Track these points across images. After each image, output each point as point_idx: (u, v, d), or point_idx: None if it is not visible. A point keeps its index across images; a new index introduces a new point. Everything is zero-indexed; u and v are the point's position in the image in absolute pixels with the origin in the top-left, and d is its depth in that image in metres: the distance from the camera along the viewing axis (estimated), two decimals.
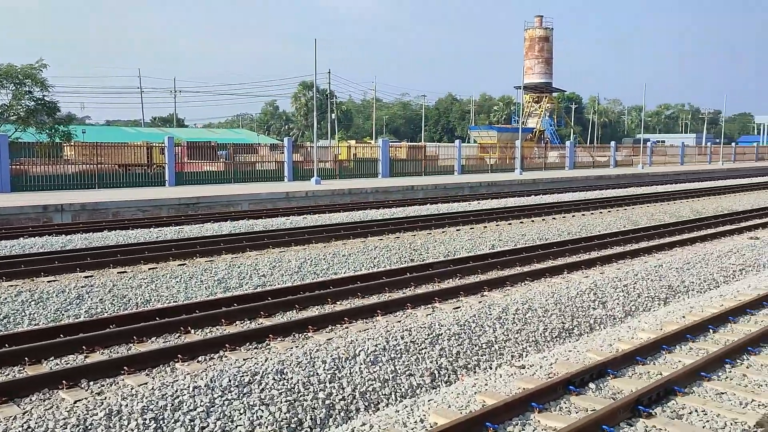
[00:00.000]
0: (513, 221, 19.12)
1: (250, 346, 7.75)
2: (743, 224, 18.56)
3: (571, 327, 9.32)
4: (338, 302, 9.73)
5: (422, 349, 7.89)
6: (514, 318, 9.13)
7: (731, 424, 5.57)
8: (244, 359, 7.22)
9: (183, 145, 30.63)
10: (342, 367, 7.18)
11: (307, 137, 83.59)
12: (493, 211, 20.91)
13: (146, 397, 6.17)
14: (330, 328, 8.47)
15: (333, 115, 69.67)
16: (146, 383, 6.52)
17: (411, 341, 7.97)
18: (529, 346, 8.58)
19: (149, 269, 11.65)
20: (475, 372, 7.71)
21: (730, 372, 6.80)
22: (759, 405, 5.97)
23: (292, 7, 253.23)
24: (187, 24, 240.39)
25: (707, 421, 5.63)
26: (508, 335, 8.68)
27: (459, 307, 9.43)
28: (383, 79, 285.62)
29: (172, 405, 6.12)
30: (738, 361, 7.11)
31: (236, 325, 8.62)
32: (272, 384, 6.66)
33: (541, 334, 8.92)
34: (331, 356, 7.33)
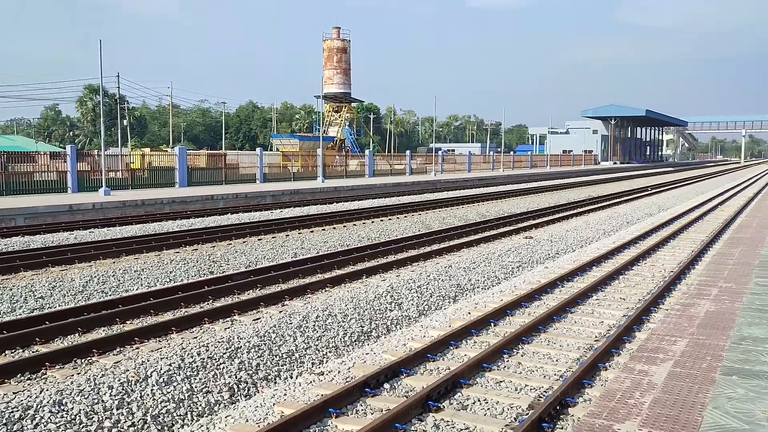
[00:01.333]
0: (315, 229, 19.33)
1: (22, 378, 6.94)
2: (520, 225, 20.53)
3: (369, 330, 9.60)
4: (128, 321, 9.10)
5: (220, 364, 7.64)
6: (314, 325, 9.19)
7: (508, 409, 6.10)
8: (14, 393, 6.44)
9: None
10: (131, 390, 6.70)
11: (95, 144, 77.48)
12: (295, 219, 20.96)
13: None
14: (118, 350, 7.88)
15: (125, 121, 65.31)
16: None
17: (208, 357, 7.68)
18: (330, 352, 8.68)
19: None
20: (275, 383, 7.62)
21: (508, 361, 7.46)
22: (531, 389, 6.61)
23: (69, 4, 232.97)
24: None
25: (488, 409, 6.11)
26: (308, 343, 8.71)
27: (259, 319, 9.29)
28: (180, 84, 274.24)
29: None
30: (514, 350, 7.82)
31: (5, 355, 7.68)
32: (48, 417, 6.02)
33: (341, 339, 9.07)
34: (119, 380, 6.81)
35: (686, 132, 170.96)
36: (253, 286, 11.37)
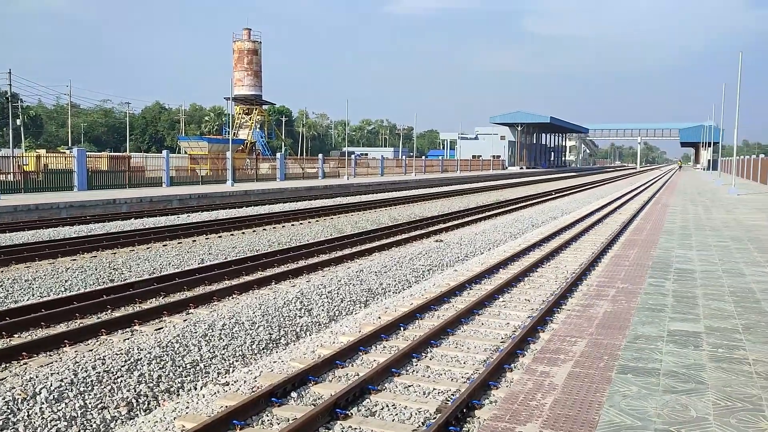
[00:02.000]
0: (224, 234, 18.84)
1: None
2: (431, 228, 20.80)
3: (278, 337, 9.40)
4: (16, 335, 8.49)
5: (118, 377, 7.25)
6: (220, 334, 8.91)
7: (416, 413, 6.09)
8: None
9: None
10: (18, 409, 6.24)
11: None
12: (203, 224, 20.36)
13: None
14: (4, 366, 7.33)
15: (18, 120, 61.45)
16: None
17: (105, 371, 7.27)
18: (236, 361, 8.43)
19: None
20: (178, 395, 7.31)
21: (417, 365, 7.47)
22: (439, 393, 6.65)
23: None
24: None
25: (396, 414, 6.08)
26: (214, 352, 8.42)
27: (161, 328, 8.91)
28: (81, 83, 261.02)
29: None
30: (423, 354, 7.85)
31: None
32: None
33: (248, 348, 8.83)
34: (4, 398, 6.33)
35: (588, 138, 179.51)
36: (156, 294, 10.91)
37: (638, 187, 50.04)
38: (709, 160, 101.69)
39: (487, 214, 26.41)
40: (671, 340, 5.90)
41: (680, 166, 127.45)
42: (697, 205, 23.11)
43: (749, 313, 6.97)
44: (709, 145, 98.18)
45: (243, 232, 19.28)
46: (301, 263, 14.21)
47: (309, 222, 22.61)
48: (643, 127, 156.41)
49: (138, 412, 6.81)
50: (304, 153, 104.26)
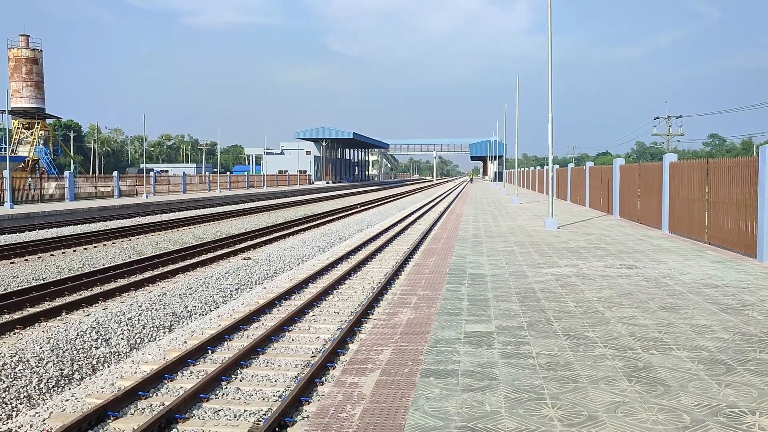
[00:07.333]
0: (2, 262, 16.86)
1: None
2: (239, 246, 20.37)
3: (71, 372, 8.61)
4: None
5: None
6: (0, 375, 7.94)
7: None
8: None
9: None
10: None
11: None
12: None
13: None
14: None
15: None
16: None
17: None
18: (21, 404, 7.56)
19: None
20: None
21: (226, 388, 7.26)
22: (250, 414, 6.52)
23: None
24: None
25: None
26: None
27: None
28: None
29: None
30: (233, 376, 7.66)
31: None
32: None
33: (35, 388, 7.97)
34: None
35: (389, 153, 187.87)
36: None
37: (435, 198, 53.35)
38: (495, 173, 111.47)
39: (296, 229, 26.51)
40: (468, 342, 6.36)
41: (471, 179, 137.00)
42: (486, 215, 25.20)
43: (532, 311, 7.74)
44: (496, 159, 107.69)
45: (26, 260, 17.42)
46: (96, 290, 13.18)
47: (104, 245, 21.04)
48: (437, 142, 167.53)
49: None
50: (98, 170, 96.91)
